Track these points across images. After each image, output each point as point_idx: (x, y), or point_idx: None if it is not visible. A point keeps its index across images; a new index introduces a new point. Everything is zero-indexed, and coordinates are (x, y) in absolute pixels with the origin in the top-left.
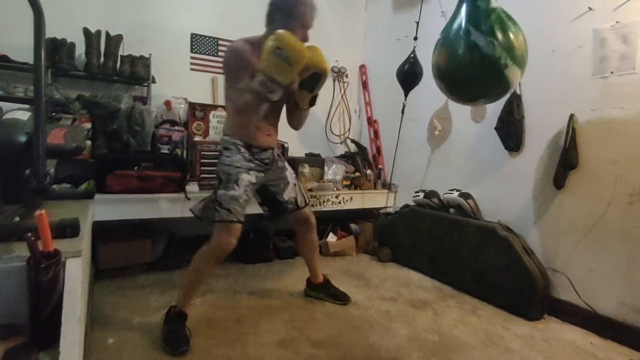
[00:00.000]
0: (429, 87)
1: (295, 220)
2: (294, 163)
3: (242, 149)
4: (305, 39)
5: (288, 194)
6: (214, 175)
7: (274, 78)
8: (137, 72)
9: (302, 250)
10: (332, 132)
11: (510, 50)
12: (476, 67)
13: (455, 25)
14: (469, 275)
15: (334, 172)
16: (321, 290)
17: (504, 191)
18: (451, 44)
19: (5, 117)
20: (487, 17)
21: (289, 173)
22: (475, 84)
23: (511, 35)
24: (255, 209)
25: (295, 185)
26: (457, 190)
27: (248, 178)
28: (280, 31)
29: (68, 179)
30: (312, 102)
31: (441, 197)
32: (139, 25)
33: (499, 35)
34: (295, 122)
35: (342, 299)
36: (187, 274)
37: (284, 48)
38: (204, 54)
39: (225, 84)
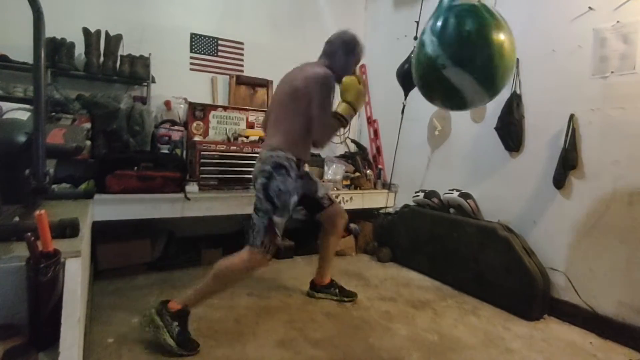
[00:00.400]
0: None
1: (332, 214)
2: None
3: (293, 165)
4: (354, 72)
5: (322, 191)
6: (216, 175)
7: (356, 112)
8: (136, 72)
9: (325, 248)
10: None
11: (451, 49)
12: (420, 66)
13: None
14: (469, 275)
15: (334, 172)
16: (329, 290)
17: (504, 191)
18: (416, 43)
19: (5, 117)
20: (444, 14)
21: (313, 175)
22: (421, 84)
23: (463, 33)
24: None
25: (322, 184)
26: (457, 190)
27: (294, 200)
28: (358, 77)
29: (68, 179)
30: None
31: (441, 197)
32: (139, 25)
33: (446, 32)
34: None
35: (350, 295)
36: (212, 282)
37: (359, 89)
38: (204, 54)
39: (308, 104)
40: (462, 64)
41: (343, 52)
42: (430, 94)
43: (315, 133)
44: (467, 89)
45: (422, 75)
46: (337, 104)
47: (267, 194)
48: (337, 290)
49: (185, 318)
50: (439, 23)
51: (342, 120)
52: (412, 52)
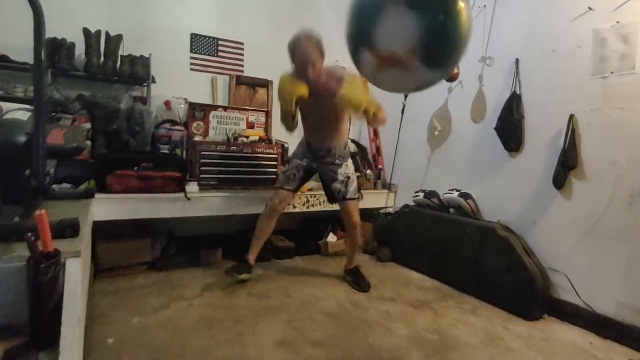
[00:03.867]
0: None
1: (341, 211)
2: None
3: (304, 144)
4: (308, 75)
5: (335, 186)
6: (216, 175)
7: (282, 109)
8: (136, 72)
9: (345, 239)
10: None
11: None
12: None
13: None
14: (469, 275)
15: None
16: (348, 276)
17: (504, 191)
18: None
19: (5, 117)
20: None
21: (342, 172)
22: None
23: None
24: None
25: (343, 182)
26: (457, 190)
27: (298, 162)
28: (281, 75)
29: (68, 179)
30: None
31: (441, 197)
32: (139, 25)
33: None
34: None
35: (362, 285)
36: (256, 230)
37: (280, 89)
38: (204, 54)
39: None
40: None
41: (291, 58)
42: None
43: None
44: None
45: None
46: None
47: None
48: (353, 277)
49: (244, 266)
50: None
51: (281, 115)
52: None
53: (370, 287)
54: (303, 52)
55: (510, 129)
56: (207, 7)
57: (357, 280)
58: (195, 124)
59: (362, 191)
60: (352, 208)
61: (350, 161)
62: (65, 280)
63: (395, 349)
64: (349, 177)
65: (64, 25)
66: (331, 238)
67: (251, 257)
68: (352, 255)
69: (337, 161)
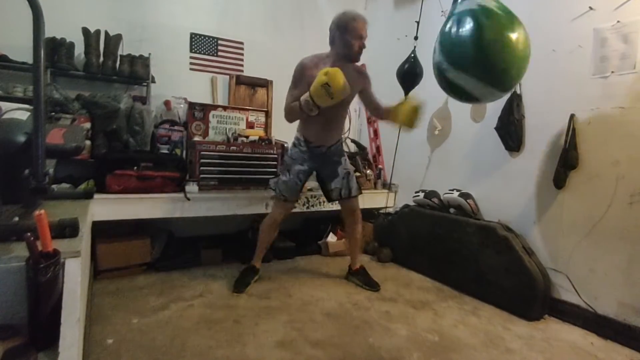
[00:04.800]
0: (429, 86)
1: (343, 209)
2: None
3: (302, 143)
4: (362, 48)
5: (334, 184)
6: (216, 175)
7: (315, 103)
8: (136, 72)
9: (346, 239)
10: None
11: (448, 54)
12: (434, 72)
13: None
14: (470, 276)
15: None
16: (356, 276)
17: (504, 191)
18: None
19: (4, 117)
20: (448, 20)
21: (342, 168)
22: (441, 87)
23: (453, 37)
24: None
25: (344, 179)
26: (457, 190)
27: (299, 168)
28: (332, 69)
29: (67, 179)
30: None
31: (441, 197)
32: (139, 25)
33: (444, 38)
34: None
35: (373, 285)
36: (259, 238)
37: (331, 84)
38: (204, 53)
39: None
40: (460, 67)
41: (339, 34)
42: (448, 94)
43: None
44: (472, 88)
45: (437, 80)
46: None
47: (283, 160)
48: (363, 279)
49: (247, 269)
50: (443, 29)
51: (301, 103)
52: (412, 52)
53: (380, 286)
54: (363, 26)
55: (510, 128)
56: (207, 6)
57: (367, 280)
58: (195, 124)
59: (362, 191)
60: (356, 204)
61: (346, 156)
62: (64, 280)
63: (395, 350)
64: (349, 173)
65: (64, 24)
66: (331, 238)
67: (257, 263)
68: (356, 254)
69: (335, 158)
